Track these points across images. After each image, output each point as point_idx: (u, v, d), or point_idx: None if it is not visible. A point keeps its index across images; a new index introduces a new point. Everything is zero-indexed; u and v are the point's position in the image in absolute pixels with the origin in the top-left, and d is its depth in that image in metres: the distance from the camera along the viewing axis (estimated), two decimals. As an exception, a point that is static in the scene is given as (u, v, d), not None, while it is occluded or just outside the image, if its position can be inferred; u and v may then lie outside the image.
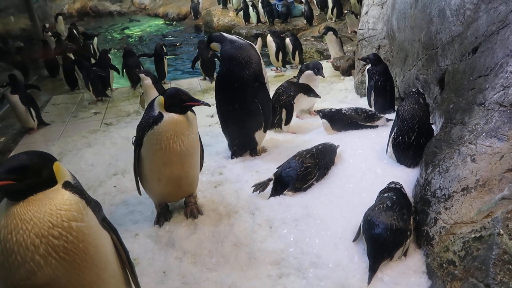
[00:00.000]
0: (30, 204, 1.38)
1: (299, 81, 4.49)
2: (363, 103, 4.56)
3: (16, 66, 6.94)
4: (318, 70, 4.33)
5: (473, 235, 1.87)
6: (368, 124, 3.77)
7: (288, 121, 4.06)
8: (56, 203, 1.40)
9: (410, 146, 2.95)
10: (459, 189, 2.08)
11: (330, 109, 3.86)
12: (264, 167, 3.32)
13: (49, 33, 8.60)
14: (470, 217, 1.96)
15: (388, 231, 2.17)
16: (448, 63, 2.96)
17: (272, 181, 2.96)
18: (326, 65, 6.23)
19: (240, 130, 3.52)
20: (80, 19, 15.13)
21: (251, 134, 3.53)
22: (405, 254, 2.23)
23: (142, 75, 4.81)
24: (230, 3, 12.06)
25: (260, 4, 10.83)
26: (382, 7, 4.79)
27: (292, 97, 4.00)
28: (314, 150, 3.10)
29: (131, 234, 2.69)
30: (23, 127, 5.09)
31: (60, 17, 11.42)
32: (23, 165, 1.40)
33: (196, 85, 6.49)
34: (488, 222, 1.82)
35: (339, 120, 3.78)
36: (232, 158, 3.58)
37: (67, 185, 1.48)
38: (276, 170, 3.03)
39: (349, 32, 8.61)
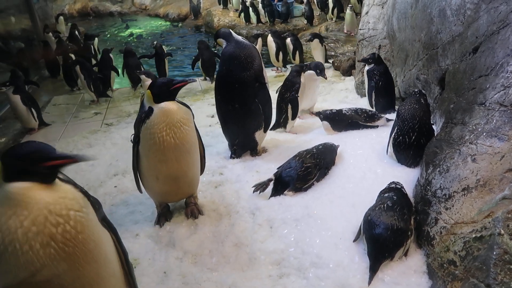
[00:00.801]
0: (38, 191, 1.39)
1: (301, 81, 4.48)
2: (363, 103, 4.56)
3: (17, 66, 6.91)
4: (320, 71, 4.30)
5: (473, 235, 1.86)
6: (368, 124, 3.77)
7: (294, 116, 4.03)
8: (57, 192, 1.42)
9: (410, 146, 2.94)
10: (459, 189, 2.08)
11: (331, 110, 3.86)
12: (265, 167, 3.33)
13: (50, 33, 8.60)
14: (471, 217, 1.96)
15: (388, 231, 2.17)
16: (449, 63, 2.96)
17: (272, 181, 2.96)
18: (325, 65, 6.21)
19: (241, 130, 3.52)
20: (82, 19, 15.13)
21: (251, 134, 3.53)
22: (405, 254, 2.22)
23: (143, 77, 4.81)
24: (230, 3, 12.07)
25: (260, 5, 10.84)
26: (382, 7, 4.79)
27: (296, 91, 3.97)
28: (315, 150, 3.10)
29: (132, 234, 2.69)
30: (23, 128, 5.09)
31: (61, 18, 11.47)
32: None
33: (197, 85, 6.49)
34: (489, 222, 1.81)
35: (340, 120, 3.78)
36: (232, 158, 3.59)
37: (64, 179, 1.51)
38: (277, 170, 3.03)
39: (345, 31, 8.35)
